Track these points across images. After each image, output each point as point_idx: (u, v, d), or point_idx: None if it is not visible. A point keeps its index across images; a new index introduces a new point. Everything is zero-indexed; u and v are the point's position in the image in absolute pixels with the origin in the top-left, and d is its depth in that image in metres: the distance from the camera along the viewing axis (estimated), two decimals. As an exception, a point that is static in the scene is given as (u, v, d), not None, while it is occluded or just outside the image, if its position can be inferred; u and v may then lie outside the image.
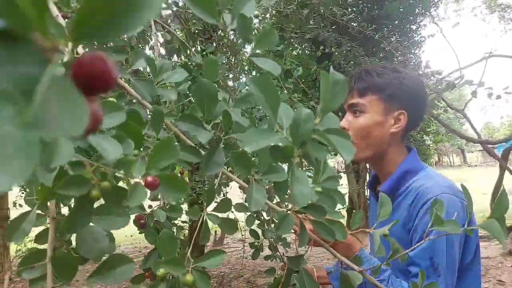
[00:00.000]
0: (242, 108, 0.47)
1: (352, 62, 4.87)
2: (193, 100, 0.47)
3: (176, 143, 0.37)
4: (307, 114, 0.34)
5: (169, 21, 1.52)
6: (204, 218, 0.56)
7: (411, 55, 5.81)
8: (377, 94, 1.13)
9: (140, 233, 1.37)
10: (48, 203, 0.50)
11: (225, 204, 0.56)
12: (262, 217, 1.75)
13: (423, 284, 1.01)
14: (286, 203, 0.51)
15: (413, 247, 0.92)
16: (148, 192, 0.38)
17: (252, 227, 1.75)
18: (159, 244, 0.49)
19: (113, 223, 0.48)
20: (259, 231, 1.78)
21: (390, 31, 6.07)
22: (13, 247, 6.05)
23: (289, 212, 0.48)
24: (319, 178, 0.45)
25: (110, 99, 0.50)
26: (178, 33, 1.52)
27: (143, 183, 0.37)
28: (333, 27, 5.13)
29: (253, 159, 0.48)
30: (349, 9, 5.86)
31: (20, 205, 5.96)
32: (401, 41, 5.76)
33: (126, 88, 0.51)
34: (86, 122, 0.16)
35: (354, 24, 4.68)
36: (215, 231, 7.48)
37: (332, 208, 0.46)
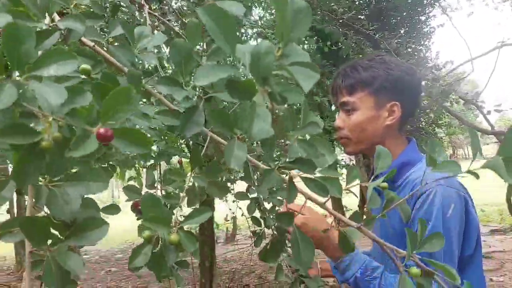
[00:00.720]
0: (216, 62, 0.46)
1: (360, 56, 4.82)
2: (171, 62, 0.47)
3: (135, 94, 0.36)
4: (267, 46, 0.32)
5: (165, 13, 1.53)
6: (191, 181, 0.55)
7: (420, 47, 5.72)
8: (366, 89, 1.11)
9: (137, 218, 1.37)
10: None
11: (214, 168, 0.54)
12: (263, 206, 1.73)
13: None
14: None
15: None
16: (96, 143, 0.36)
17: (254, 215, 1.74)
18: (143, 205, 0.48)
19: (88, 188, 0.48)
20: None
21: (398, 23, 6.00)
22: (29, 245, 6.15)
23: (273, 167, 0.45)
24: (301, 122, 0.43)
25: (84, 66, 0.50)
26: (173, 24, 1.53)
27: (95, 136, 0.36)
28: (340, 21, 5.08)
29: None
30: (357, 2, 5.81)
31: None
32: (409, 32, 5.69)
33: (103, 54, 0.51)
34: None
35: (356, 23, 4.64)
36: (227, 228, 7.50)
37: (320, 162, 0.44)
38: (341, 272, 1.06)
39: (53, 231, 0.48)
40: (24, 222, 0.44)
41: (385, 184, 0.54)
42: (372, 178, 0.58)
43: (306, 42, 6.24)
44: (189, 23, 0.54)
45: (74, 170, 0.50)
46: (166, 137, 1.62)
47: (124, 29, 0.54)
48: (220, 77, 0.34)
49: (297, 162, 0.44)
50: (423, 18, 6.00)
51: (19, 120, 0.37)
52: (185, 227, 0.49)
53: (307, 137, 0.43)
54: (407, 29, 5.80)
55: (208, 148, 0.53)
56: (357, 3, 5.63)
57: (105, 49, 0.55)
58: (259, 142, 0.52)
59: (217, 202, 4.39)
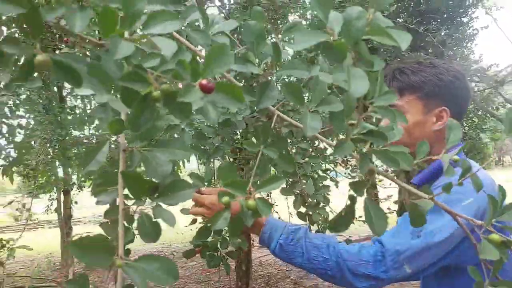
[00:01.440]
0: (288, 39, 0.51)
1: (398, 59, 4.76)
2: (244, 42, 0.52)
3: (231, 51, 0.42)
4: (359, 11, 0.37)
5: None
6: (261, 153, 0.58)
7: (463, 49, 5.56)
8: (415, 93, 1.11)
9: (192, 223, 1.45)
10: (119, 137, 0.57)
11: (282, 142, 0.58)
12: (308, 200, 1.77)
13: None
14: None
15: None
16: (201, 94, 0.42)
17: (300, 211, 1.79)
18: (220, 173, 0.54)
19: (175, 154, 0.55)
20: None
21: (439, 25, 5.86)
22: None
23: (347, 137, 0.49)
24: (378, 91, 0.46)
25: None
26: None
27: (197, 86, 0.41)
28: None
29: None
30: (395, 6, 5.72)
31: (76, 202, 6.42)
32: (451, 34, 5.54)
33: (180, 39, 0.57)
34: None
35: (399, 20, 4.58)
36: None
37: (391, 135, 0.47)
38: (267, 244, 1.02)
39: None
40: (127, 175, 0.50)
41: (456, 157, 0.56)
42: (444, 150, 0.59)
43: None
44: (254, 11, 0.60)
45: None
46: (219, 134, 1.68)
47: (201, 14, 0.60)
48: (318, 41, 0.39)
49: (368, 135, 0.48)
50: (465, 19, 5.83)
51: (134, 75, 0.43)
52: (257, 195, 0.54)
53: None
54: (447, 31, 5.65)
55: (274, 124, 0.58)
56: (395, 6, 5.56)
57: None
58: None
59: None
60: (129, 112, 0.47)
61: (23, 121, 5.01)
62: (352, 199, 0.55)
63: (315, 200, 1.73)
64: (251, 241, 4.72)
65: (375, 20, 0.37)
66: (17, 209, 5.21)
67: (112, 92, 0.52)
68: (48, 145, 4.24)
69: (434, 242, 0.91)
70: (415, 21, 4.41)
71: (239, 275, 4.23)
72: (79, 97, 5.67)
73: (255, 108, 0.51)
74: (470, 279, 1.01)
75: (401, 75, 1.13)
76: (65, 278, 5.49)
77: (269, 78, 0.53)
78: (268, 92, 0.51)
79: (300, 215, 1.79)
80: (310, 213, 1.80)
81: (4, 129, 4.80)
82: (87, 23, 0.49)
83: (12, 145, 4.84)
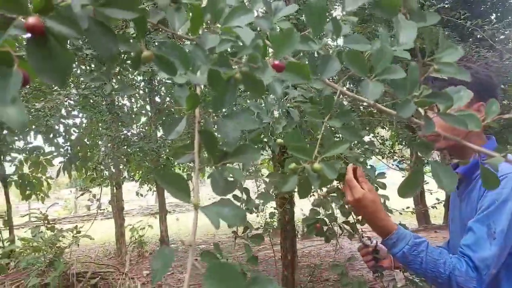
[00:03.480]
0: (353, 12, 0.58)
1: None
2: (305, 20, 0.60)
3: (296, 34, 0.50)
4: None
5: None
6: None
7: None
8: None
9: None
10: (196, 110, 0.67)
11: (347, 113, 0.65)
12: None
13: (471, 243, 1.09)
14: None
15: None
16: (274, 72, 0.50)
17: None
18: (287, 138, 0.62)
19: (242, 124, 0.64)
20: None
21: (488, 10, 5.60)
22: (127, 234, 6.86)
23: (410, 98, 0.53)
24: (440, 47, 0.50)
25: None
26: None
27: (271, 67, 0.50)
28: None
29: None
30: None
31: (141, 194, 6.82)
32: (502, 18, 5.29)
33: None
34: None
35: (444, 14, 4.45)
36: (302, 224, 7.52)
37: (456, 97, 0.52)
38: (389, 248, 1.19)
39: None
40: (204, 133, 0.60)
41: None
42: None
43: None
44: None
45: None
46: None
47: (264, 4, 0.69)
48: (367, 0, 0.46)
49: (432, 96, 0.53)
50: (517, 2, 5.52)
51: (219, 61, 0.53)
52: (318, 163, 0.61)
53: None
54: (499, 14, 5.40)
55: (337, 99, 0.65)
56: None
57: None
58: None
59: (298, 201, 4.51)
60: (213, 94, 0.57)
61: (77, 120, 5.38)
62: (419, 160, 0.59)
63: (375, 185, 1.78)
64: (296, 232, 4.78)
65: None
66: (88, 200, 5.65)
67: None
68: (116, 141, 4.56)
69: (505, 238, 1.06)
70: (463, 16, 4.26)
71: (285, 265, 4.31)
72: (126, 96, 5.99)
73: (319, 78, 0.57)
74: None
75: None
76: (121, 265, 5.84)
77: (330, 51, 0.60)
78: (330, 64, 0.58)
79: (341, 207, 1.86)
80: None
81: (61, 128, 5.19)
82: (184, 22, 0.60)
83: (68, 143, 5.22)
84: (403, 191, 0.60)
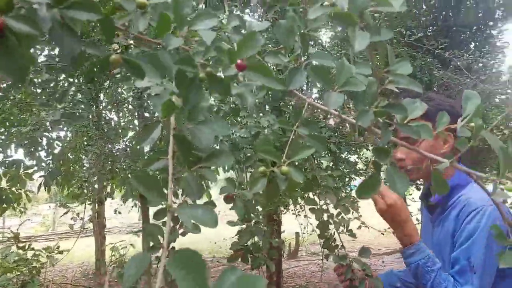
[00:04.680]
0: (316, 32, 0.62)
1: (428, 75, 4.77)
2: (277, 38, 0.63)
3: (259, 37, 0.54)
4: None
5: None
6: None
7: (492, 61, 5.50)
8: (426, 120, 1.29)
9: (230, 208, 1.61)
10: (171, 118, 0.69)
11: (313, 124, 0.68)
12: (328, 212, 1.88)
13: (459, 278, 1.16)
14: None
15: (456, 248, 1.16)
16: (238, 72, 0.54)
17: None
18: (258, 144, 0.65)
19: (215, 130, 0.67)
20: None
21: (468, 38, 5.83)
22: (108, 253, 6.70)
23: (368, 109, 0.57)
24: (394, 64, 0.55)
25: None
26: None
27: (234, 66, 0.53)
28: (408, 42, 5.11)
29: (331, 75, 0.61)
30: (423, 19, 5.75)
31: (120, 212, 6.69)
32: (480, 47, 5.50)
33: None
34: None
35: (424, 43, 4.64)
36: (289, 244, 7.53)
37: (411, 108, 0.56)
38: (406, 257, 1.23)
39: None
40: (178, 137, 0.62)
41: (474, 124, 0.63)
42: (462, 122, 0.67)
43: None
44: (288, 16, 0.72)
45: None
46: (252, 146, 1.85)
47: (240, 21, 0.73)
48: (329, 11, 0.49)
49: (389, 107, 0.57)
50: (495, 32, 5.77)
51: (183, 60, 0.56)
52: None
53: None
54: (477, 43, 5.62)
55: (306, 111, 0.69)
56: (423, 19, 5.59)
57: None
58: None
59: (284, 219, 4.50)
60: (180, 92, 0.60)
61: (62, 134, 5.33)
62: (376, 165, 0.63)
63: (338, 210, 1.82)
64: (281, 252, 4.76)
65: None
66: (72, 218, 5.52)
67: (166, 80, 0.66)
68: (102, 158, 4.51)
69: (485, 269, 1.14)
70: (441, 46, 4.45)
71: (270, 286, 4.27)
72: (114, 110, 5.98)
73: (285, 89, 0.61)
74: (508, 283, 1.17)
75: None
76: (100, 286, 5.69)
77: (298, 65, 0.64)
78: (297, 76, 0.62)
79: (322, 224, 1.89)
80: (331, 222, 1.89)
81: (44, 141, 5.11)
82: (147, 25, 0.64)
83: (51, 157, 5.14)
84: (359, 192, 0.63)
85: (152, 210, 6.69)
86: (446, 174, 1.28)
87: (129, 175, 5.20)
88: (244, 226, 1.63)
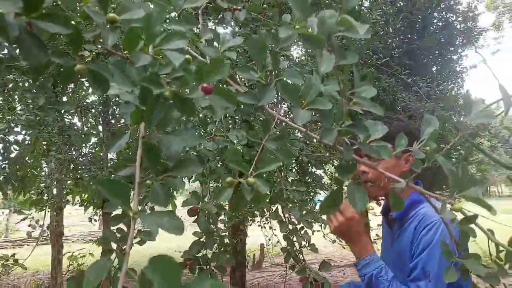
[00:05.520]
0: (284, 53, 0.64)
1: (391, 96, 4.98)
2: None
3: (227, 61, 0.55)
4: (331, 13, 0.50)
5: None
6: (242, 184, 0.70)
7: (452, 85, 5.82)
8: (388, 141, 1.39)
9: (193, 221, 1.60)
10: (141, 126, 0.69)
11: (283, 135, 0.70)
12: (294, 226, 1.92)
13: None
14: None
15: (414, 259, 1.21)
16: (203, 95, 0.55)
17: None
18: (228, 154, 0.66)
19: (184, 141, 0.67)
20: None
21: (430, 62, 6.13)
22: (65, 262, 6.42)
23: (334, 128, 0.60)
24: (358, 87, 0.58)
25: (187, 57, 0.70)
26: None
27: (200, 89, 0.55)
28: (374, 64, 5.34)
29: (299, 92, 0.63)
30: (389, 41, 6.00)
31: (96, 220, 6.44)
32: (441, 70, 5.80)
33: (192, 53, 0.71)
34: None
35: (389, 65, 4.88)
36: (254, 255, 7.51)
37: (372, 128, 0.60)
38: (361, 268, 1.28)
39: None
40: (147, 144, 0.62)
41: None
42: (418, 145, 0.71)
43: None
44: (259, 33, 0.74)
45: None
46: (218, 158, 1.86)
47: (213, 34, 0.75)
48: (298, 33, 0.52)
49: (353, 126, 0.60)
50: (455, 57, 6.12)
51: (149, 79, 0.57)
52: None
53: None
54: (439, 67, 5.93)
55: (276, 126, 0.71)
56: (389, 41, 5.83)
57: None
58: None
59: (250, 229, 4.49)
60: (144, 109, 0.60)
61: (20, 137, 5.09)
62: (338, 182, 0.66)
63: (301, 224, 1.87)
64: (246, 263, 4.74)
65: (344, 18, 0.50)
66: (29, 225, 5.23)
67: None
68: (65, 164, 4.34)
69: (438, 279, 1.18)
70: (403, 72, 4.71)
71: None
72: (76, 115, 5.80)
73: (256, 104, 0.62)
74: None
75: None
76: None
77: (269, 81, 0.66)
78: (267, 92, 0.64)
79: (286, 237, 1.93)
80: (293, 237, 1.93)
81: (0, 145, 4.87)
82: (116, 40, 0.64)
83: (7, 161, 4.90)
84: (322, 208, 0.66)
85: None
86: (406, 191, 1.34)
87: (92, 183, 5.04)
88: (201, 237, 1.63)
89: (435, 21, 6.05)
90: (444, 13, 6.02)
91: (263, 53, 0.65)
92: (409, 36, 5.99)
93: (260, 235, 4.84)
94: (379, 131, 0.63)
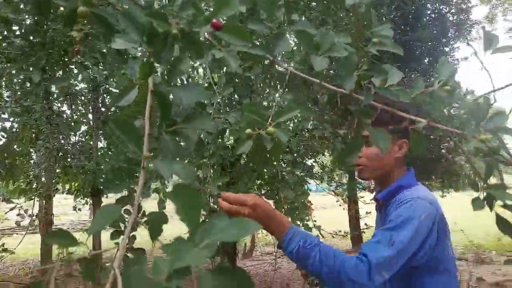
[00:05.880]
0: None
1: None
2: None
3: None
4: None
5: None
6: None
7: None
8: (385, 126, 1.36)
9: None
10: (149, 79, 0.67)
11: (298, 89, 0.71)
12: (287, 205, 1.94)
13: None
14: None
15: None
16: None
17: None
18: (245, 106, 0.65)
19: (195, 95, 0.66)
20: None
21: (422, 54, 6.17)
22: (55, 252, 6.35)
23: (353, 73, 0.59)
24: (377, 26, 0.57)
25: None
26: None
27: (209, 25, 0.53)
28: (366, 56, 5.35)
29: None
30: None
31: (79, 210, 6.37)
32: (433, 62, 5.84)
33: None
34: None
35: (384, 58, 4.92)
36: (245, 244, 7.53)
37: (391, 74, 0.59)
38: (286, 246, 1.18)
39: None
40: (160, 96, 0.61)
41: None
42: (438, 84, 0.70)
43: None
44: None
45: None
46: (218, 141, 1.85)
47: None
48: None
49: (370, 70, 0.60)
50: (447, 49, 6.16)
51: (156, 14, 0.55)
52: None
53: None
54: (430, 59, 5.97)
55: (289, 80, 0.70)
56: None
57: None
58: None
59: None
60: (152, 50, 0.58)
61: (7, 124, 4.99)
62: (360, 123, 0.65)
63: (295, 204, 1.89)
64: (236, 252, 4.75)
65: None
66: (18, 215, 5.14)
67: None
68: (53, 153, 4.27)
69: (402, 249, 1.15)
70: (397, 64, 4.77)
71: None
72: (66, 102, 5.70)
73: (270, 55, 0.61)
74: (436, 279, 1.21)
75: (375, 112, 1.38)
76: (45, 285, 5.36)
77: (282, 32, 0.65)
78: (281, 41, 0.63)
79: None
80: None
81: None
82: None
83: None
84: (340, 159, 0.66)
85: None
86: (394, 177, 1.37)
87: (82, 171, 4.97)
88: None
89: (428, 12, 6.08)
90: (437, 4, 6.06)
91: (274, 6, 0.63)
92: (402, 27, 6.01)
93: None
94: (395, 75, 0.63)
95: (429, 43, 6.04)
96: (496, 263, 7.03)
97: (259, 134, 0.66)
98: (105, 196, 6.03)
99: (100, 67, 4.82)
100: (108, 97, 5.97)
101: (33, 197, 5.32)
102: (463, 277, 4.37)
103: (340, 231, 4.49)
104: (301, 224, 2.17)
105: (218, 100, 1.65)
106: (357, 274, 1.11)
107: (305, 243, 1.16)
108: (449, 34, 6.09)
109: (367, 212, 5.14)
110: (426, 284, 1.25)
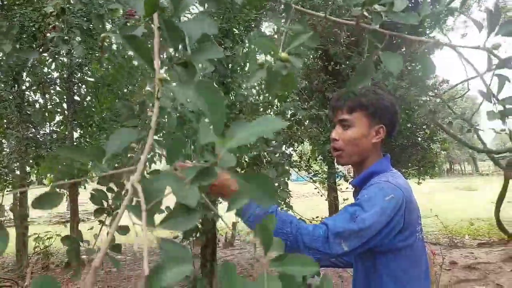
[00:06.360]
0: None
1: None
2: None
3: None
4: None
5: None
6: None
7: (419, 66, 5.96)
8: (363, 111, 1.37)
9: None
10: (154, 15, 0.64)
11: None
12: None
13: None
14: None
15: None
16: None
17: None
18: (256, 43, 0.66)
19: (204, 26, 0.65)
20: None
21: (399, 43, 6.25)
22: (31, 245, 6.25)
23: None
24: None
25: None
26: None
27: None
28: (344, 45, 5.40)
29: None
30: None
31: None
32: (411, 51, 5.92)
33: None
34: None
35: (357, 47, 4.95)
36: (226, 233, 7.59)
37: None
38: (244, 213, 1.17)
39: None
40: (169, 24, 0.60)
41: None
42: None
43: (313, 60, 6.52)
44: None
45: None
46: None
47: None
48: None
49: None
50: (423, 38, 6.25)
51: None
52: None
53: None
54: (406, 48, 6.05)
55: None
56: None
57: None
58: None
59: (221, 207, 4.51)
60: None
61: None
62: (379, 38, 0.70)
63: (277, 184, 1.91)
64: (216, 241, 4.78)
65: None
66: None
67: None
68: (24, 143, 4.14)
69: (365, 226, 1.14)
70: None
71: (204, 273, 4.28)
72: (39, 91, 5.53)
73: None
74: (398, 262, 1.24)
75: (354, 96, 1.39)
76: (21, 278, 5.29)
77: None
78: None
79: None
80: None
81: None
82: None
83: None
84: (354, 82, 0.68)
85: (81, 200, 6.34)
86: (370, 162, 1.39)
87: (57, 162, 4.85)
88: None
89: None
90: (413, -6, 6.12)
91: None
92: (379, 16, 6.05)
93: (231, 213, 4.88)
94: (401, 2, 0.69)
95: (406, 32, 6.10)
96: (468, 247, 7.33)
97: (270, 62, 0.68)
98: (82, 187, 5.93)
99: (74, 55, 4.66)
100: (84, 86, 5.81)
101: (3, 189, 5.17)
102: (437, 260, 4.53)
103: (317, 217, 4.57)
104: (282, 203, 2.20)
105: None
106: (313, 240, 1.10)
107: (262, 210, 1.14)
108: (425, 24, 6.16)
109: (344, 199, 5.27)
110: (390, 266, 1.27)
